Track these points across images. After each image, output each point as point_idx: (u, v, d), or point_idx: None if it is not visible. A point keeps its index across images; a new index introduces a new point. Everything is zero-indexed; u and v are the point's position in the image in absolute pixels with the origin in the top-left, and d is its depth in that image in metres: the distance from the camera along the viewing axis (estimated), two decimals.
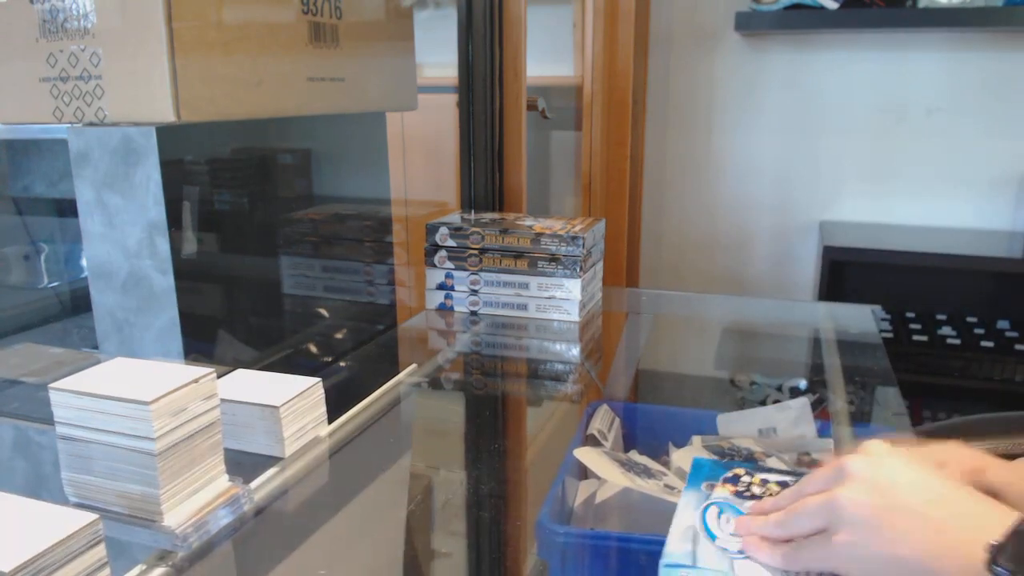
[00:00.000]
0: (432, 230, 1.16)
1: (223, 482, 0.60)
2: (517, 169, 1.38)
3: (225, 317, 0.88)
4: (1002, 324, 1.89)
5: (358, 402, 0.84)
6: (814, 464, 0.72)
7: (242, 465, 0.67)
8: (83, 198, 0.78)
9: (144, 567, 0.54)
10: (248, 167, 0.92)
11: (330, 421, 0.75)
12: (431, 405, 0.95)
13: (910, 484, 0.44)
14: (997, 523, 0.41)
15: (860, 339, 1.08)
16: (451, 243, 1.15)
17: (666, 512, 0.61)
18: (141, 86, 0.70)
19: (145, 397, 0.52)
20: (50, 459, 0.86)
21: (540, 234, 1.11)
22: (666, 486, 0.66)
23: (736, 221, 2.13)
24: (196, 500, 0.57)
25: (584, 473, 0.71)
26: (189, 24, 0.70)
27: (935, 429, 1.06)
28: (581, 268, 1.10)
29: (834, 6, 1.79)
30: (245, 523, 0.60)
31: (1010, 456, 0.52)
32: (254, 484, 0.65)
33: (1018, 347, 1.77)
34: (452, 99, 1.37)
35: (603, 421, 0.78)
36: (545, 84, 1.93)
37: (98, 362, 0.58)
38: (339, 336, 1.10)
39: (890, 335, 1.85)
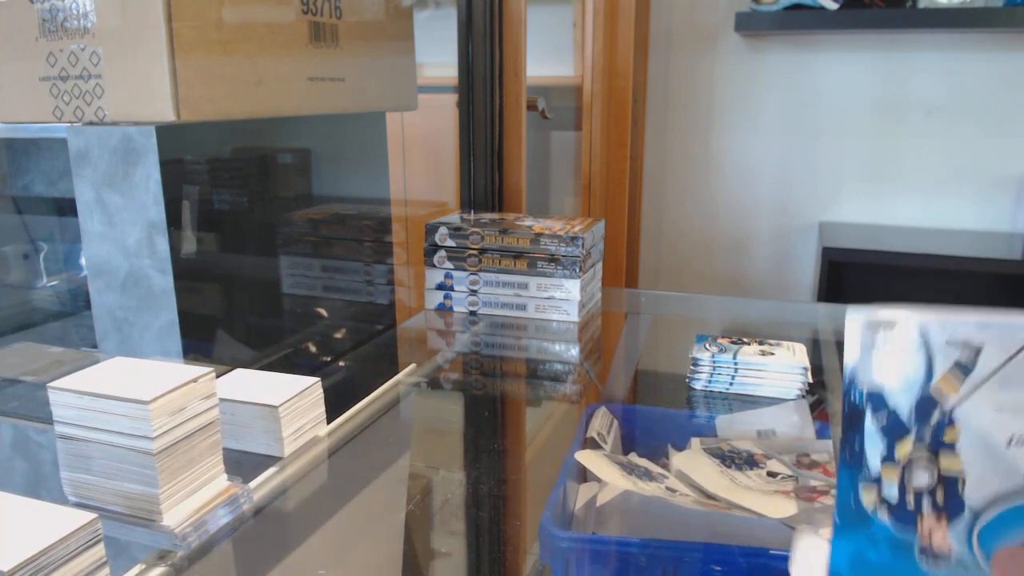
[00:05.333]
0: (432, 230, 1.16)
1: (222, 481, 0.60)
2: (517, 169, 1.38)
3: (224, 317, 0.87)
4: None
5: (357, 402, 0.84)
6: (814, 466, 0.72)
7: (241, 465, 0.67)
8: (83, 197, 0.78)
9: (143, 566, 0.54)
10: (248, 167, 0.91)
11: (329, 421, 0.75)
12: (430, 405, 0.95)
13: None
14: None
15: None
16: (451, 243, 1.15)
17: (667, 515, 0.61)
18: (141, 85, 0.70)
19: (144, 396, 0.52)
20: (49, 458, 0.86)
21: (540, 234, 1.11)
22: (667, 488, 0.66)
23: (735, 222, 2.13)
24: (195, 499, 0.57)
25: (584, 475, 0.71)
26: (189, 24, 0.70)
27: None
28: (580, 268, 1.10)
29: (834, 7, 1.79)
30: (244, 522, 0.60)
31: None
32: (253, 484, 0.65)
33: None
34: (452, 99, 1.37)
35: (602, 423, 0.78)
36: (545, 84, 1.93)
37: (97, 361, 0.58)
38: (338, 336, 1.09)
39: None
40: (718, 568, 0.54)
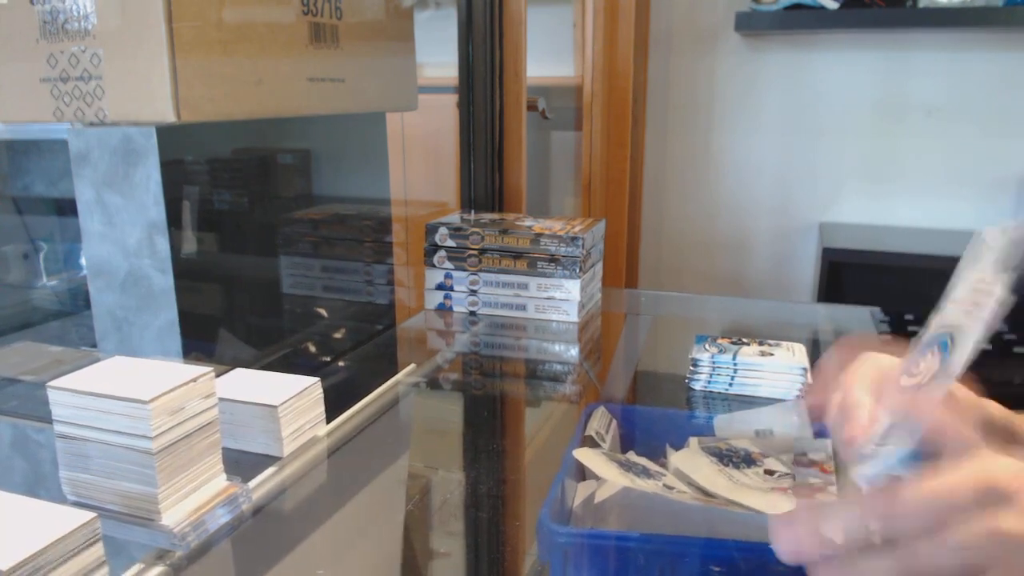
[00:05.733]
0: (432, 230, 1.16)
1: (221, 481, 0.60)
2: (517, 169, 1.38)
3: (224, 316, 0.88)
4: (1000, 327, 1.89)
5: (357, 402, 0.84)
6: (812, 465, 0.72)
7: (240, 464, 0.67)
8: (83, 197, 0.78)
9: (142, 566, 0.54)
10: (248, 167, 0.92)
11: (328, 421, 0.76)
12: (430, 405, 0.95)
13: None
14: None
15: None
16: (451, 243, 1.15)
17: (666, 511, 0.61)
18: (141, 86, 0.70)
19: (144, 396, 0.52)
20: (48, 458, 0.86)
21: (540, 235, 1.11)
22: (665, 486, 0.66)
23: (736, 222, 2.13)
24: (194, 499, 0.57)
25: (582, 474, 0.72)
26: (189, 24, 0.70)
27: None
28: (580, 269, 1.10)
29: (834, 6, 1.79)
30: (243, 522, 0.60)
31: None
32: (252, 483, 0.65)
33: (1017, 350, 1.77)
34: (452, 99, 1.37)
35: (600, 423, 0.78)
36: (545, 84, 1.93)
37: (97, 361, 0.58)
38: (338, 336, 1.10)
39: (889, 337, 1.85)
40: (717, 568, 0.54)
